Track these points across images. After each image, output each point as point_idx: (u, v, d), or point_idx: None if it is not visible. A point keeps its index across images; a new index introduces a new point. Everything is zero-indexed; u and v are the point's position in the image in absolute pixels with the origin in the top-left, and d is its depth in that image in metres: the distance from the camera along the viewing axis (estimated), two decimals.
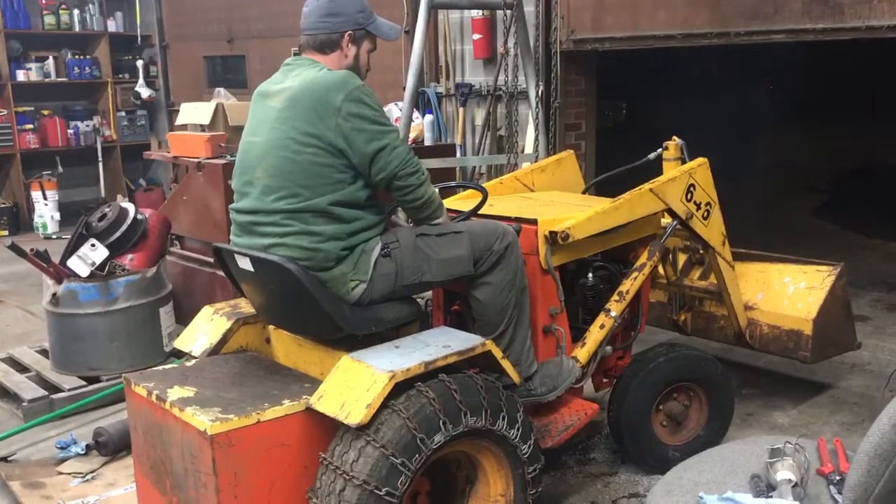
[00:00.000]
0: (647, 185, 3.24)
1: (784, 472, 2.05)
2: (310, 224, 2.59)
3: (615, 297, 3.21)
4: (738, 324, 3.78)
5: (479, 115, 6.58)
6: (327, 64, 2.74)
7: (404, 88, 5.05)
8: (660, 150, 3.67)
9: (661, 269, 3.76)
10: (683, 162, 3.59)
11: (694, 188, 3.36)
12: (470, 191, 3.50)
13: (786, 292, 3.83)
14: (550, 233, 2.96)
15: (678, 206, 3.33)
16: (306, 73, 2.66)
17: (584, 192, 3.87)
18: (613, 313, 3.16)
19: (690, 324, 4.01)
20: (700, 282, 3.92)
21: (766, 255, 4.04)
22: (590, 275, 3.27)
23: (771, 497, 2.02)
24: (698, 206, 3.39)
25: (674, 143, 3.65)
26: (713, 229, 3.49)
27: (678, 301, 4.00)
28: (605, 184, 3.86)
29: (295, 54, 2.84)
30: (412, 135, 5.54)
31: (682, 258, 4.07)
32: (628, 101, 9.37)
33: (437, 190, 2.80)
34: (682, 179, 3.33)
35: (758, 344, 3.88)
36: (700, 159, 3.43)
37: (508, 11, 5.06)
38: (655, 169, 3.64)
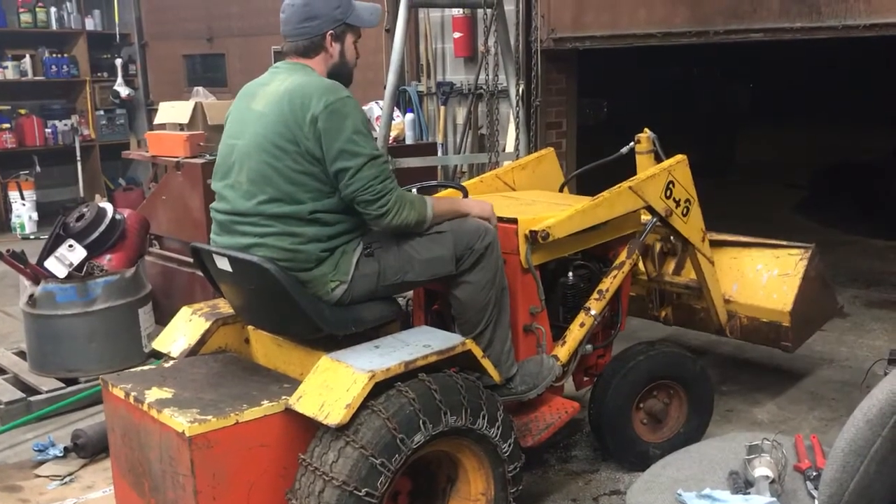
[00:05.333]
0: (626, 183, 3.25)
1: (762, 469, 2.07)
2: (291, 226, 2.57)
3: (595, 295, 3.21)
4: (719, 319, 3.79)
5: (461, 114, 6.58)
6: (314, 66, 2.71)
7: (385, 87, 5.04)
8: (632, 143, 3.65)
9: (641, 266, 3.77)
10: (656, 154, 3.58)
11: (673, 185, 3.37)
12: (450, 190, 3.49)
13: (760, 281, 3.80)
14: (531, 232, 2.96)
15: (657, 204, 3.34)
16: (293, 79, 2.63)
17: (561, 186, 3.86)
18: (593, 312, 3.17)
19: (672, 316, 4.02)
20: (679, 278, 3.93)
21: (737, 240, 3.98)
22: (570, 273, 3.27)
23: (748, 493, 2.03)
24: (678, 203, 3.40)
25: (645, 136, 3.63)
26: (693, 226, 3.50)
27: (658, 296, 4.01)
28: (586, 182, 3.84)
29: (276, 52, 2.81)
30: (393, 133, 5.52)
31: (668, 261, 4.05)
32: (609, 100, 9.41)
33: (411, 214, 2.64)
34: (661, 177, 3.34)
35: (739, 335, 3.88)
36: (679, 156, 3.44)
37: (489, 10, 5.06)
38: (634, 162, 3.64)
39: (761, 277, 3.81)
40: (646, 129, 3.66)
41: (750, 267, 3.87)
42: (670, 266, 4.02)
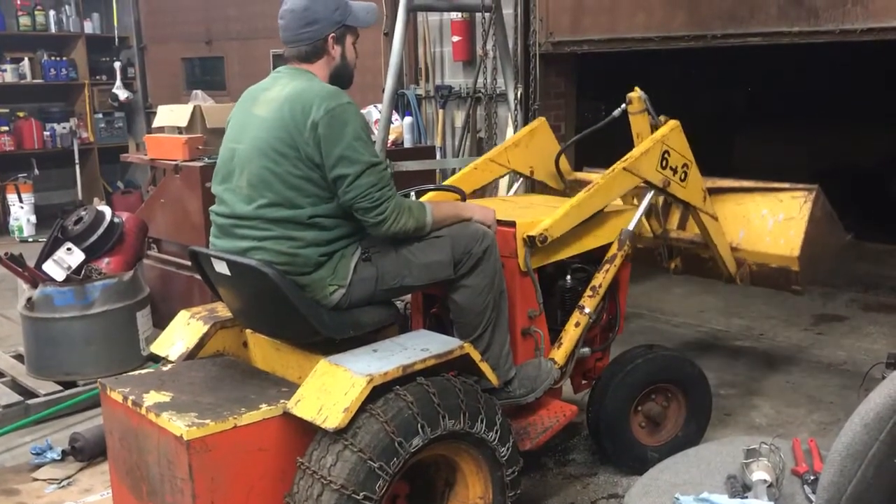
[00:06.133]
0: (619, 165, 3.20)
1: (759, 473, 2.07)
2: (290, 230, 2.58)
3: (588, 292, 3.18)
4: (728, 270, 3.75)
5: (459, 117, 6.59)
6: (317, 71, 2.72)
7: (383, 90, 5.04)
8: (623, 105, 3.55)
9: (646, 224, 3.72)
10: (649, 113, 3.52)
11: (669, 154, 3.31)
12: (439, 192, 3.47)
13: (766, 227, 3.72)
14: (528, 237, 2.96)
15: (654, 177, 3.28)
16: (294, 85, 2.63)
17: (558, 156, 3.79)
18: (587, 310, 3.15)
19: (682, 266, 3.98)
20: (685, 233, 3.86)
21: (739, 185, 3.88)
22: (568, 277, 3.26)
23: (746, 497, 2.03)
24: (674, 171, 3.34)
25: (636, 95, 3.53)
26: (692, 188, 3.43)
27: (667, 248, 3.96)
28: (582, 163, 3.73)
29: (275, 56, 2.82)
30: (391, 137, 5.53)
31: (673, 211, 3.98)
32: (608, 103, 9.41)
33: (409, 221, 2.64)
34: (655, 149, 3.28)
35: (749, 282, 3.82)
36: (672, 123, 3.37)
37: (487, 14, 5.07)
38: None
39: (767, 223, 3.72)
40: (636, 88, 3.56)
41: (755, 213, 3.78)
42: (675, 217, 3.94)
